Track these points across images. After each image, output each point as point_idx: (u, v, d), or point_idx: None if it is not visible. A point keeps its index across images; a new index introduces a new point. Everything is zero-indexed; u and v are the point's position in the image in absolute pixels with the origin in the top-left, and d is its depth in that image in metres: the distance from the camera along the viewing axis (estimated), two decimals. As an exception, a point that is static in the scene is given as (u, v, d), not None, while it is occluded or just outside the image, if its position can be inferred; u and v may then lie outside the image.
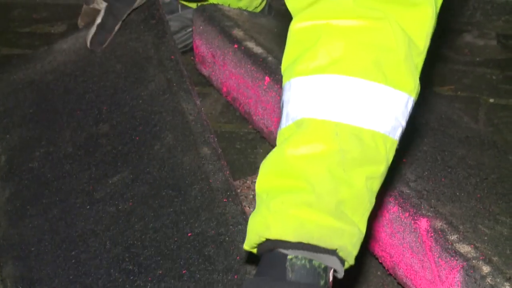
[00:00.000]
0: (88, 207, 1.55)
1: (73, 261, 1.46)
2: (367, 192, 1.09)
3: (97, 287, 1.39)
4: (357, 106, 1.07)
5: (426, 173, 1.50)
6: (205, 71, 2.03)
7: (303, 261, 1.08)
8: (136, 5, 1.95)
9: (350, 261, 1.11)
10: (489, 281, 1.25)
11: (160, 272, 1.37)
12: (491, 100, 2.10)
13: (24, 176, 1.68)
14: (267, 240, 1.09)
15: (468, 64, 2.24)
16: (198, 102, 1.68)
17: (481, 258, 1.29)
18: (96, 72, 1.86)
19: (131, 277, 1.38)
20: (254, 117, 1.84)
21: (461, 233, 1.34)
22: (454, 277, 1.30)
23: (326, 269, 1.10)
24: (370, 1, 1.08)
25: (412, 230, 1.39)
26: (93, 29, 1.93)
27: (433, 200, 1.41)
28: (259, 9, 2.20)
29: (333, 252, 1.08)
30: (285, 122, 1.12)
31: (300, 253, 1.08)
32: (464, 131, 1.73)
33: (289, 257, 1.08)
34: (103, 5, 1.92)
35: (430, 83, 2.11)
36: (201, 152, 1.56)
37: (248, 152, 1.92)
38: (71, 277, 1.43)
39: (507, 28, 2.46)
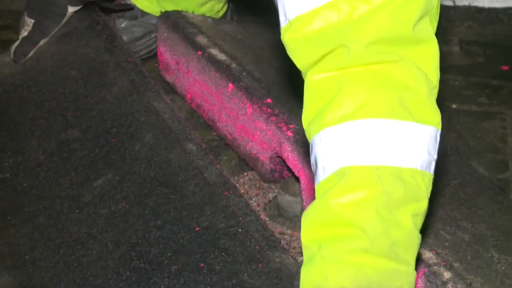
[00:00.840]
0: (77, 211, 1.52)
1: (75, 264, 1.42)
2: (415, 230, 1.11)
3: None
4: (392, 146, 1.08)
5: None
6: (169, 78, 2.02)
7: None
8: (63, 22, 1.93)
9: None
10: (450, 286, 1.28)
11: (176, 267, 1.36)
12: (454, 106, 2.11)
13: (-3, 187, 1.63)
14: None
15: (431, 70, 2.29)
16: (168, 101, 1.68)
17: (442, 264, 1.32)
18: (49, 80, 1.82)
19: (145, 275, 1.37)
20: (218, 124, 1.85)
21: (422, 239, 1.35)
22: (416, 283, 1.29)
23: None
24: (380, 46, 1.09)
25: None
26: (17, 42, 1.91)
27: None
28: (220, 14, 2.20)
29: None
30: (322, 175, 1.12)
31: None
32: None
33: None
34: (31, 24, 1.90)
35: None
36: (186, 149, 1.56)
37: (212, 159, 1.91)
38: (77, 281, 1.39)
39: (470, 34, 2.49)
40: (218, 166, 1.53)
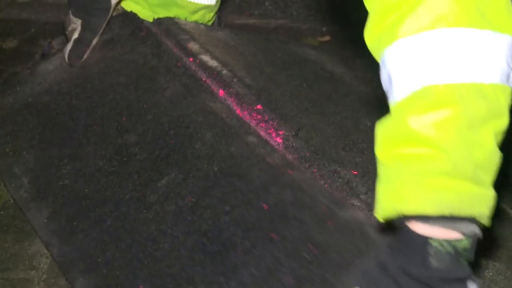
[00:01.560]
0: (144, 211, 1.50)
1: (148, 259, 1.41)
2: (497, 150, 1.07)
3: (186, 274, 1.36)
4: (473, 60, 1.03)
5: None
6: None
7: (448, 248, 1.05)
8: (109, 16, 1.91)
9: (488, 224, 1.08)
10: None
11: (248, 242, 1.36)
12: None
13: (58, 194, 1.60)
14: (403, 215, 1.05)
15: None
16: (225, 101, 1.67)
17: None
18: (98, 87, 1.80)
19: (219, 256, 1.36)
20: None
21: None
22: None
23: (469, 250, 1.07)
24: None
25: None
26: (69, 45, 1.88)
27: None
28: (211, 22, 2.20)
29: (473, 220, 1.05)
30: (399, 94, 1.07)
31: (439, 225, 1.05)
32: None
33: (433, 243, 1.05)
34: (78, 23, 1.88)
35: (383, 96, 2.14)
36: (247, 141, 1.55)
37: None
38: (153, 273, 1.38)
39: None
40: (280, 150, 1.51)
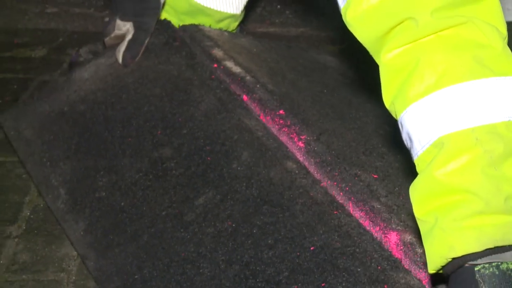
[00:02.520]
0: (182, 230, 1.48)
1: (188, 283, 1.38)
2: None
3: (227, 306, 1.34)
4: (481, 105, 1.08)
5: (397, 188, 1.51)
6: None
7: (491, 269, 1.08)
8: (159, 15, 1.91)
9: None
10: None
11: (296, 287, 1.32)
12: None
13: (94, 206, 1.58)
14: (453, 259, 1.09)
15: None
16: (260, 118, 1.65)
17: None
18: (133, 97, 1.78)
19: None
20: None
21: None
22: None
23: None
24: (445, 11, 1.10)
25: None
26: (123, 46, 1.87)
27: (403, 215, 1.42)
28: (235, 31, 2.19)
29: None
30: (420, 148, 1.12)
31: (488, 259, 1.08)
32: None
33: (476, 268, 1.08)
34: (127, 26, 1.86)
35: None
36: (287, 167, 1.53)
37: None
38: (192, 299, 1.36)
39: None
40: (322, 184, 1.49)
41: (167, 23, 1.94)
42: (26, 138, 1.80)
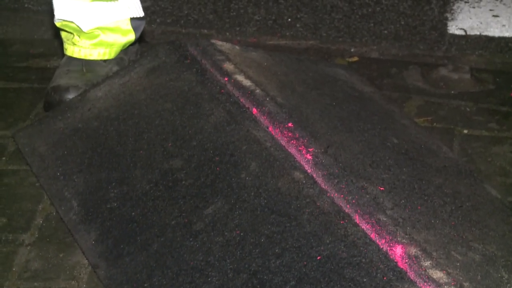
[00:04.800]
0: (191, 239, 1.43)
1: None
2: None
3: (235, 315, 1.29)
4: None
5: (403, 201, 1.47)
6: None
7: None
8: None
9: None
10: (460, 305, 1.23)
11: None
12: (465, 131, 2.07)
13: (106, 217, 1.54)
14: None
15: (444, 97, 2.24)
16: (269, 129, 1.60)
17: (452, 284, 1.27)
18: (145, 113, 1.74)
19: None
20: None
21: (434, 259, 1.31)
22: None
23: None
24: None
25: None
26: None
27: (408, 228, 1.38)
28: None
29: None
30: None
31: None
32: (442, 161, 1.73)
33: None
34: None
35: (409, 115, 2.10)
36: (294, 177, 1.48)
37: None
38: (201, 308, 1.31)
39: (480, 62, 2.46)
40: (329, 194, 1.44)
41: (179, 43, 1.90)
42: (40, 153, 1.77)
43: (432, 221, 1.44)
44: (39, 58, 2.43)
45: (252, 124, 1.62)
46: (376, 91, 2.10)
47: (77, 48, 2.06)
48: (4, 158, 1.91)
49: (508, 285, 1.37)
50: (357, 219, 1.39)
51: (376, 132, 1.75)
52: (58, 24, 2.06)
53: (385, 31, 2.61)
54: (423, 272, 1.27)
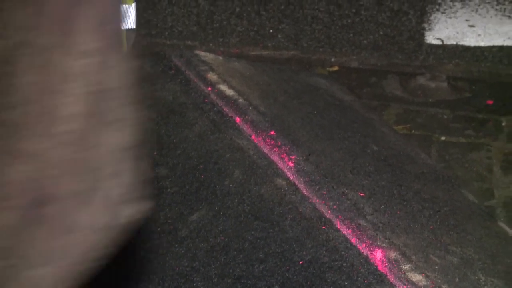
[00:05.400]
0: (176, 245, 1.45)
1: None
2: None
3: (219, 319, 1.30)
4: None
5: (383, 206, 1.50)
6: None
7: None
8: None
9: None
10: (439, 307, 1.24)
11: None
12: (443, 138, 2.10)
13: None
14: None
15: (422, 105, 2.27)
16: (252, 138, 1.62)
17: (431, 286, 1.29)
18: (130, 122, 1.75)
19: None
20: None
21: (413, 262, 1.34)
22: (406, 305, 1.30)
23: None
24: None
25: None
26: None
27: (388, 232, 1.41)
28: None
29: None
30: None
31: None
32: (421, 167, 1.75)
33: None
34: None
35: (388, 122, 2.12)
36: (277, 184, 1.50)
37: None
38: (187, 312, 1.33)
39: (457, 71, 2.48)
40: (311, 200, 1.46)
41: (163, 54, 1.92)
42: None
43: (411, 225, 1.46)
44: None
45: (236, 133, 1.64)
46: (356, 99, 2.12)
47: None
48: None
49: (485, 287, 1.39)
50: (338, 224, 1.41)
51: (356, 140, 1.77)
52: None
53: (365, 41, 2.63)
54: (402, 275, 1.29)
